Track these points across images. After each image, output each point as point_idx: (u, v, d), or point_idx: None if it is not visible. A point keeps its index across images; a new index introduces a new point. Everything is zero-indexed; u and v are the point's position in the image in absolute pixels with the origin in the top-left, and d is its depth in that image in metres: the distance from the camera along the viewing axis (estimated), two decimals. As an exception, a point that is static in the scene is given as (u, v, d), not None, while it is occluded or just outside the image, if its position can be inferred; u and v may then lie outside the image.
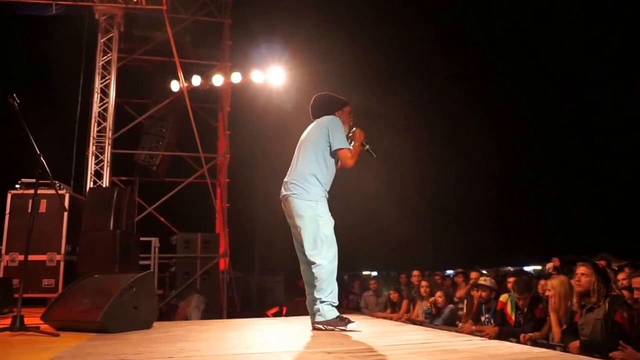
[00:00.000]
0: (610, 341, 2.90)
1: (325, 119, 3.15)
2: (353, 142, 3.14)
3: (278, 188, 3.18)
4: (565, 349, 3.10)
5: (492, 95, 14.90)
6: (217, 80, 8.91)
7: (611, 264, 4.52)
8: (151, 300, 3.57)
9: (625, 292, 3.25)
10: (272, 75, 8.91)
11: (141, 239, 6.68)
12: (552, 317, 3.57)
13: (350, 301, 8.58)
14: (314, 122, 3.24)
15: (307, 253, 2.91)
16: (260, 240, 11.83)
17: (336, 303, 2.89)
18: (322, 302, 2.85)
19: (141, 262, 6.81)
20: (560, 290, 3.55)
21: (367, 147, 3.18)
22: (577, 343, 3.10)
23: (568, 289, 3.51)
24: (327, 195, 3.09)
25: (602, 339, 2.96)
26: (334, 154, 3.07)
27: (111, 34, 7.87)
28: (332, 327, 2.82)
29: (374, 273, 12.76)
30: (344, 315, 2.99)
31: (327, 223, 2.96)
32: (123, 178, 9.01)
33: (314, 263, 2.88)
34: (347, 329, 2.80)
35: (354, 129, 3.21)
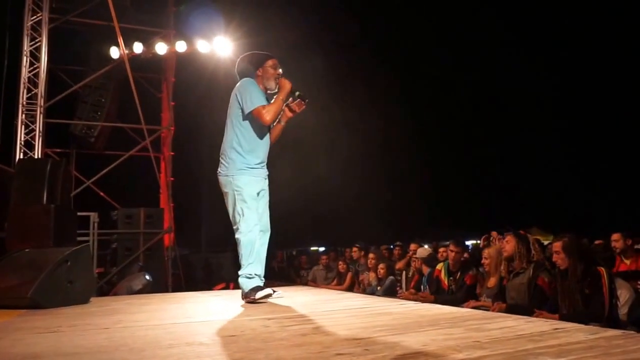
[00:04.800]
0: (533, 303, 3.23)
1: (237, 85, 3.06)
2: (277, 95, 3.03)
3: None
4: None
5: (429, 81, 15.54)
6: (161, 48, 8.49)
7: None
8: (88, 275, 3.46)
9: (547, 263, 3.59)
10: (218, 45, 8.60)
11: (79, 214, 6.35)
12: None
13: (302, 277, 8.70)
14: None
15: (233, 227, 2.99)
16: (207, 216, 11.63)
17: (253, 275, 2.91)
18: (239, 275, 2.93)
19: (79, 239, 6.44)
20: (494, 256, 3.88)
21: (297, 93, 3.05)
22: (503, 306, 3.41)
23: (500, 257, 3.83)
24: (255, 165, 3.00)
25: (526, 301, 3.28)
26: (250, 118, 2.97)
27: (41, -9, 7.23)
28: (252, 297, 2.86)
29: (322, 248, 13.01)
30: (274, 288, 3.06)
31: (243, 198, 2.92)
32: (58, 150, 8.46)
33: (236, 237, 2.95)
34: (257, 298, 2.82)
35: (279, 79, 3.08)
